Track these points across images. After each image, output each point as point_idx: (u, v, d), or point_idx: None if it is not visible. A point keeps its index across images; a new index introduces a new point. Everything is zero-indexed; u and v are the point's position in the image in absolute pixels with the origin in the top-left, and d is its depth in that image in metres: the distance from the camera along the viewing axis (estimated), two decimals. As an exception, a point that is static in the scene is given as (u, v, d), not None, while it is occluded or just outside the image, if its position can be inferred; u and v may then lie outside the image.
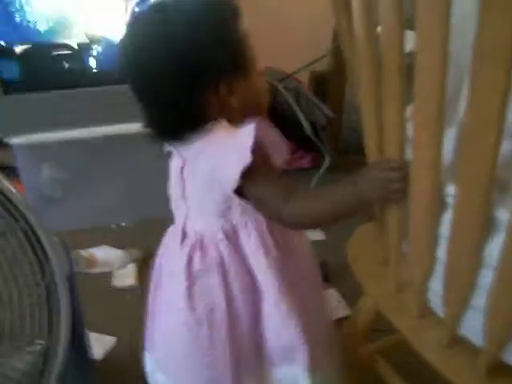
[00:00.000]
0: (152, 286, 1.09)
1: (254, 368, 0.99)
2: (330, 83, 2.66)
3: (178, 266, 0.97)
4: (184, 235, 0.99)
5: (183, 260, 0.96)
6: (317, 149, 2.53)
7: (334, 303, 1.76)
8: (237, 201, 0.91)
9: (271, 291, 0.95)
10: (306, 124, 2.42)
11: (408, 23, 0.71)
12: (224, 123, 0.92)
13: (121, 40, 0.93)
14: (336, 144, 2.67)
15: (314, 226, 1.00)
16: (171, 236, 1.05)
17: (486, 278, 0.76)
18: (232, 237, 0.95)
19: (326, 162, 2.50)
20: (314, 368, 0.98)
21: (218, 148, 0.90)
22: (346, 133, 2.71)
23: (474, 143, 0.67)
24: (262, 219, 0.95)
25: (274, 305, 0.95)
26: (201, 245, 0.96)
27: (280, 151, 0.93)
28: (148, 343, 1.11)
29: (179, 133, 0.93)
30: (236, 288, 0.95)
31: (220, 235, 0.95)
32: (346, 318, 1.60)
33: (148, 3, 0.93)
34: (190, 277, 0.95)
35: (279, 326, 0.96)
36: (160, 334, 1.04)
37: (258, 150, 0.85)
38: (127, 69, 0.93)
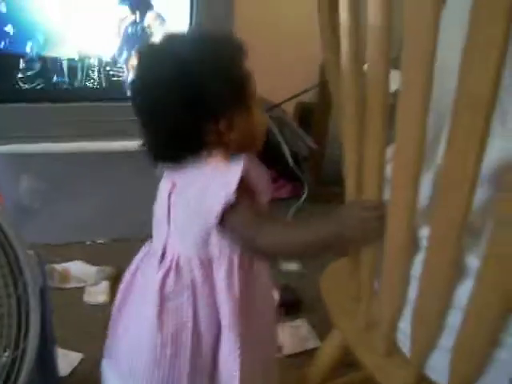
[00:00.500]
0: (119, 300, 1.10)
1: None
2: (315, 115, 2.69)
3: (151, 286, 0.99)
4: (163, 255, 1.01)
5: (157, 281, 0.98)
6: (297, 179, 2.55)
7: (304, 334, 1.76)
8: (215, 235, 0.95)
9: (226, 326, 0.98)
10: (288, 154, 2.44)
11: (395, 62, 0.73)
12: (218, 156, 0.96)
13: (134, 68, 0.99)
14: (317, 175, 2.69)
15: (286, 256, 1.04)
16: (148, 254, 1.06)
17: (454, 318, 0.77)
18: (206, 266, 0.98)
19: (305, 193, 2.52)
20: None
21: (207, 181, 0.93)
22: (327, 165, 2.73)
23: (450, 188, 0.69)
24: (234, 259, 0.99)
25: (225, 337, 0.99)
26: (176, 267, 0.99)
27: (265, 189, 0.97)
28: (109, 355, 1.12)
29: (174, 158, 0.97)
30: (202, 311, 0.99)
31: (196, 262, 0.98)
32: (315, 349, 1.61)
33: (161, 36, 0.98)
34: (162, 298, 0.98)
35: (226, 354, 1.00)
36: (125, 348, 1.04)
37: (243, 186, 0.89)
38: (134, 92, 0.97)
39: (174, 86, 0.91)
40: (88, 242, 2.22)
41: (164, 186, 1.03)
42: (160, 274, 0.99)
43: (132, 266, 1.10)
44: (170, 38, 0.99)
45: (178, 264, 0.99)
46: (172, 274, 0.98)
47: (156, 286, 0.98)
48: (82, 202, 2.16)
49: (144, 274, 1.05)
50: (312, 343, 1.72)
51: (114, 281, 1.96)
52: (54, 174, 2.13)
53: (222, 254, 0.98)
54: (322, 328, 1.75)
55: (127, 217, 2.11)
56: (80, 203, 2.16)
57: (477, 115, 0.62)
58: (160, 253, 1.02)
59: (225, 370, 1.01)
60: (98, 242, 2.23)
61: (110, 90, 2.00)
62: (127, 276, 1.10)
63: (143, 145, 1.00)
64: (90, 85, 1.98)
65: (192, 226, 0.97)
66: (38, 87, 1.94)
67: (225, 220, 0.91)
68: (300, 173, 2.51)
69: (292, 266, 2.12)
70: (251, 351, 1.02)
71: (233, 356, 0.99)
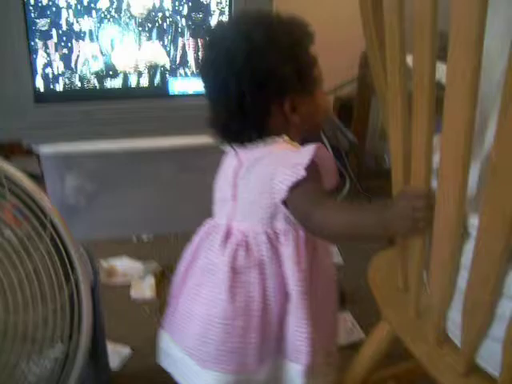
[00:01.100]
0: (179, 279, 1.13)
1: (272, 354, 1.06)
2: (354, 109, 2.68)
3: (220, 262, 1.02)
4: (228, 233, 1.04)
5: (227, 257, 1.01)
6: (339, 173, 2.54)
7: (349, 326, 1.76)
8: (282, 210, 0.98)
9: (295, 297, 1.01)
10: (329, 148, 2.44)
11: (440, 53, 0.73)
12: (285, 138, 1.01)
13: (204, 45, 1.03)
14: (358, 169, 2.68)
15: (336, 237, 1.08)
16: (210, 232, 1.08)
17: (505, 308, 0.77)
18: (274, 242, 1.01)
19: (347, 187, 2.52)
20: (310, 374, 1.05)
21: (277, 159, 0.98)
22: (368, 159, 2.72)
23: (500, 179, 0.69)
24: (301, 233, 1.02)
25: (294, 309, 1.02)
26: (246, 244, 1.02)
27: (332, 177, 1.01)
28: (172, 331, 1.14)
29: (241, 137, 1.02)
30: (271, 286, 1.02)
31: (263, 238, 1.01)
32: (360, 342, 1.61)
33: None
34: (233, 272, 1.01)
35: (294, 328, 1.03)
36: (196, 325, 1.06)
37: (312, 169, 0.92)
38: (205, 72, 1.03)
39: (244, 66, 0.95)
40: (133, 239, 2.25)
41: (229, 163, 1.07)
42: (229, 250, 1.02)
43: (192, 246, 1.12)
44: (240, 19, 1.06)
45: (246, 240, 1.02)
46: (242, 250, 1.02)
47: (226, 261, 1.01)
48: (126, 199, 2.19)
49: (208, 252, 1.07)
50: (356, 335, 1.72)
51: (160, 276, 1.99)
52: (98, 172, 2.16)
53: (289, 231, 1.01)
54: (365, 320, 1.75)
55: (171, 213, 2.13)
56: (124, 200, 2.19)
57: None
58: (224, 229, 1.05)
59: (291, 341, 1.04)
60: (143, 238, 2.26)
61: (152, 88, 2.04)
62: (187, 256, 1.13)
63: (211, 125, 1.04)
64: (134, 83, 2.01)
65: (260, 202, 1.00)
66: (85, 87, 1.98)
67: (290, 198, 0.94)
68: (342, 167, 2.51)
69: (335, 260, 2.12)
70: (316, 328, 1.04)
71: (300, 331, 1.02)
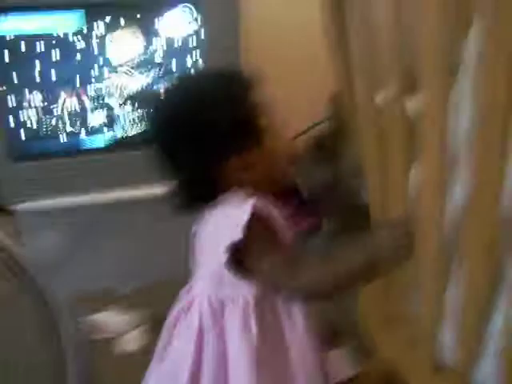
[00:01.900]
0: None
1: None
2: (327, 148, 2.71)
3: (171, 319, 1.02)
4: (188, 291, 1.03)
5: (170, 320, 1.01)
6: (315, 212, 2.56)
7: (341, 362, 1.75)
8: (228, 274, 0.92)
9: (242, 367, 0.92)
10: (304, 188, 2.46)
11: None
12: (238, 193, 0.95)
13: (150, 110, 1.04)
14: (335, 207, 2.70)
15: (330, 292, 0.92)
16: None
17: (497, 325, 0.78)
18: (217, 307, 0.95)
19: (325, 226, 2.53)
20: None
21: (219, 220, 0.95)
22: (345, 196, 2.74)
23: (476, 210, 0.72)
24: (250, 301, 0.94)
25: (242, 377, 0.92)
26: (189, 306, 0.99)
27: (285, 227, 0.95)
28: None
29: (190, 203, 0.99)
30: (207, 356, 0.94)
31: (206, 302, 0.96)
32: (352, 378, 1.59)
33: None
34: (169, 337, 1.01)
35: None
36: None
37: (257, 226, 0.88)
38: (153, 135, 1.00)
39: (181, 127, 0.93)
40: (117, 291, 2.23)
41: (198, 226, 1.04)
42: (174, 313, 1.00)
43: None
44: (177, 82, 1.05)
45: (191, 303, 0.98)
46: (183, 315, 0.99)
47: (169, 325, 1.00)
48: (107, 251, 2.18)
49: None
50: (348, 372, 1.70)
51: (148, 327, 1.97)
52: (76, 226, 2.15)
53: (236, 296, 0.95)
54: (359, 355, 1.74)
55: (153, 263, 2.12)
56: (105, 253, 2.18)
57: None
58: (186, 290, 1.03)
59: None
60: (126, 290, 2.24)
61: (122, 139, 2.05)
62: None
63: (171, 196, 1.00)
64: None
65: (210, 265, 0.96)
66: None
67: (246, 262, 0.90)
68: (317, 206, 2.52)
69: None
70: None
71: None
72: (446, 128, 0.71)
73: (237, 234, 0.87)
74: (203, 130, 0.91)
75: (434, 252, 0.82)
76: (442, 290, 0.85)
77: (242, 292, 0.95)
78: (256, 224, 0.88)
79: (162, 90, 1.05)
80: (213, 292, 0.96)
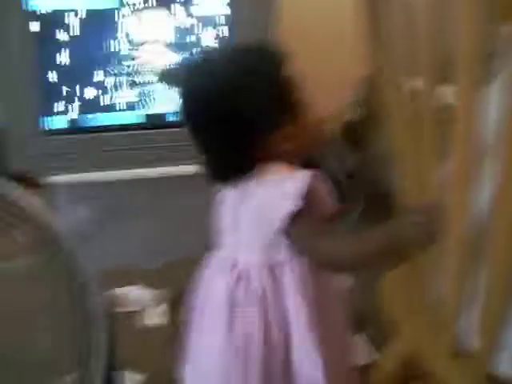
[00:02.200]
0: (199, 311, 1.09)
1: None
2: (360, 132, 2.70)
3: (222, 293, 1.00)
4: (233, 266, 1.02)
5: (228, 287, 0.99)
6: (348, 196, 2.55)
7: (361, 348, 1.76)
8: (283, 241, 0.96)
9: (301, 329, 0.97)
10: (337, 172, 2.46)
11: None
12: (280, 165, 0.97)
13: (180, 88, 1.00)
14: (363, 193, 2.69)
15: (347, 266, 0.99)
16: (217, 265, 1.07)
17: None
18: (276, 271, 0.98)
19: (354, 210, 2.53)
20: None
21: (271, 189, 0.95)
22: (373, 182, 2.73)
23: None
24: (305, 262, 0.98)
25: (302, 343, 0.97)
26: (247, 275, 0.99)
27: (328, 203, 0.97)
28: (188, 362, 1.11)
29: (231, 176, 0.99)
30: (272, 318, 0.98)
31: (265, 270, 0.98)
32: (373, 363, 1.60)
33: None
34: (231, 309, 0.99)
35: (306, 362, 0.98)
36: (201, 356, 1.05)
37: (307, 197, 0.90)
38: (186, 114, 1.00)
39: (216, 107, 0.94)
40: (144, 267, 2.26)
41: (227, 198, 1.05)
42: (230, 284, 1.00)
43: (204, 280, 1.10)
44: (205, 60, 1.04)
45: (248, 273, 1.00)
46: (242, 282, 0.99)
47: (224, 295, 0.99)
48: (136, 227, 2.21)
49: (215, 285, 1.05)
50: (369, 357, 1.71)
51: (171, 303, 1.99)
52: (109, 201, 2.18)
53: (293, 259, 0.98)
54: (379, 341, 1.74)
55: (179, 240, 2.14)
56: (134, 229, 2.21)
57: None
58: (230, 263, 1.03)
59: (304, 372, 0.98)
60: (154, 266, 2.26)
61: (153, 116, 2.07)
62: (201, 292, 1.09)
63: (202, 166, 1.01)
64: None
65: (259, 235, 0.98)
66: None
67: (290, 229, 0.92)
68: (346, 191, 2.52)
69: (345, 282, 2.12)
70: (329, 356, 0.99)
71: (312, 356, 0.97)
72: (478, 118, 0.71)
73: (295, 205, 0.90)
74: (242, 107, 0.93)
75: (461, 239, 0.81)
76: (465, 277, 0.85)
77: (298, 255, 0.97)
78: (308, 196, 0.91)
79: (193, 66, 1.02)
80: (270, 258, 0.98)
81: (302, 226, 0.92)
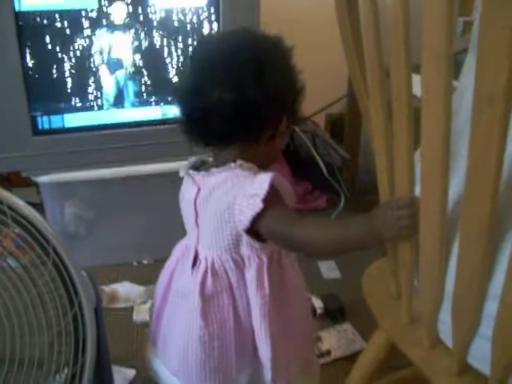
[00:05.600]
0: (161, 295, 1.17)
1: (250, 360, 1.07)
2: (345, 125, 2.72)
3: (191, 288, 1.04)
4: (196, 258, 1.06)
5: (197, 283, 1.03)
6: (333, 189, 2.57)
7: (349, 337, 1.78)
8: (245, 237, 1.00)
9: (258, 319, 1.02)
10: (322, 165, 2.48)
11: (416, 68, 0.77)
12: (248, 164, 1.00)
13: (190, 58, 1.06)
14: (352, 185, 2.71)
15: (323, 252, 1.09)
16: (182, 254, 1.11)
17: (492, 307, 0.80)
18: (240, 266, 1.03)
19: (342, 203, 2.55)
20: None
21: (236, 188, 0.97)
22: (361, 174, 2.76)
23: (475, 187, 0.73)
24: (263, 259, 1.02)
25: (258, 329, 1.03)
26: (212, 271, 1.03)
27: (291, 197, 1.01)
28: (159, 355, 1.17)
29: (223, 141, 1.01)
30: (241, 307, 1.04)
31: (231, 264, 1.02)
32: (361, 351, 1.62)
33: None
34: (204, 299, 1.02)
35: (260, 346, 1.04)
36: (176, 347, 1.08)
37: (272, 194, 0.93)
38: (188, 88, 1.01)
39: (255, 79, 0.94)
40: (134, 263, 2.27)
41: (188, 191, 1.07)
42: (199, 277, 1.03)
43: (170, 267, 1.15)
44: (221, 39, 1.08)
45: (213, 267, 1.03)
46: (209, 277, 1.03)
47: (196, 288, 1.02)
48: (125, 224, 2.22)
49: (181, 275, 1.10)
50: (359, 345, 1.74)
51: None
52: (97, 199, 2.19)
53: (252, 257, 1.02)
54: (366, 331, 1.77)
55: (169, 237, 2.15)
56: (123, 226, 2.22)
57: (497, 110, 0.66)
58: (193, 254, 1.07)
59: (261, 354, 1.05)
60: (144, 262, 2.28)
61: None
62: (165, 277, 1.15)
63: (185, 131, 1.03)
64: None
65: (221, 230, 1.00)
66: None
67: (258, 224, 0.95)
68: (335, 183, 2.54)
69: (334, 274, 2.15)
70: (284, 339, 1.06)
71: (264, 350, 1.03)
72: (448, 111, 0.72)
73: (258, 206, 0.92)
74: (276, 86, 0.96)
75: (435, 232, 0.83)
76: (441, 272, 0.87)
77: (257, 251, 1.02)
78: (272, 193, 0.93)
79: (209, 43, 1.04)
80: (234, 252, 1.02)
81: (272, 220, 0.94)
